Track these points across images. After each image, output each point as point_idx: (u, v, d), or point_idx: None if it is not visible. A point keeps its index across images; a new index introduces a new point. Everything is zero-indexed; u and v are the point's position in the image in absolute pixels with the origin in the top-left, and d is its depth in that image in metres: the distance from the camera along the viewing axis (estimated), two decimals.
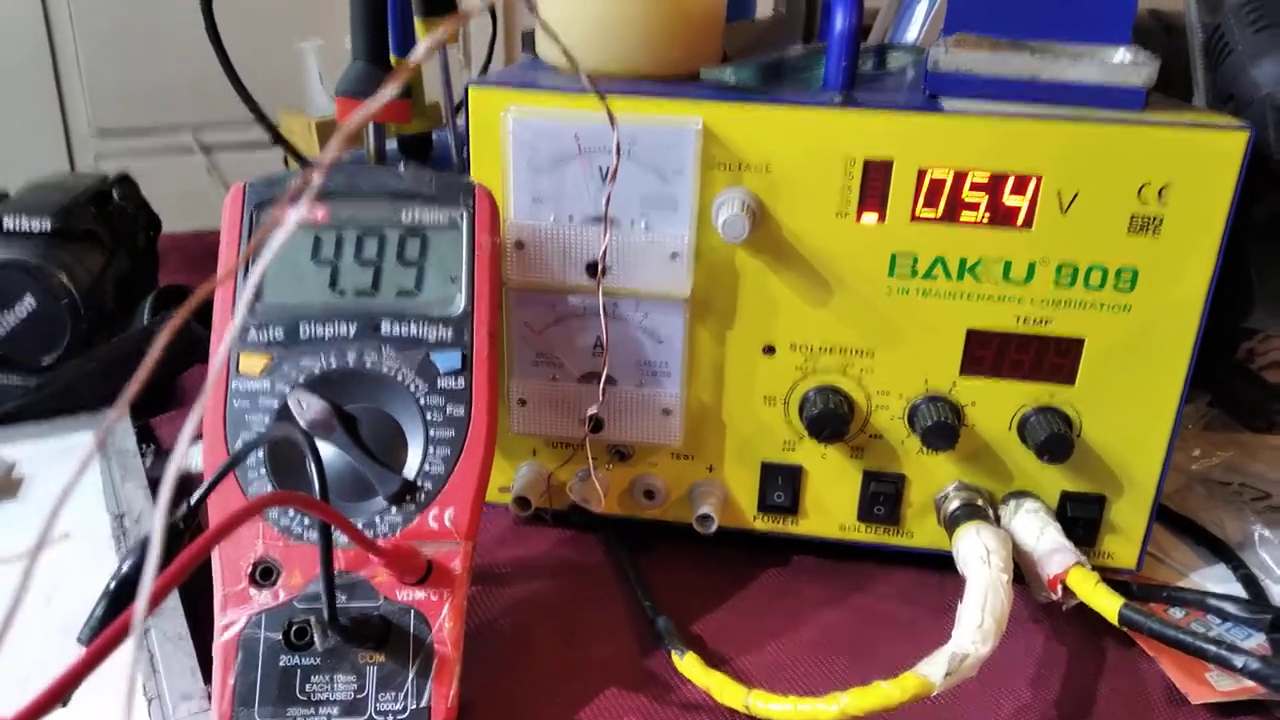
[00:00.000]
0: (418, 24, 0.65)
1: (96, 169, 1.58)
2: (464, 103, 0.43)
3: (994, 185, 0.40)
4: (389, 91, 0.19)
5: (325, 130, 0.82)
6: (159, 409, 0.60)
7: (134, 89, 1.56)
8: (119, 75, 1.55)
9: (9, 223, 0.60)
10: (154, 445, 0.55)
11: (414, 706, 0.35)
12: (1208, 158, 0.39)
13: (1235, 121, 0.39)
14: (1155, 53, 0.40)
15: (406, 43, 0.66)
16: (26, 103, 1.52)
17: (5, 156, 1.48)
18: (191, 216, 0.89)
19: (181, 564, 0.22)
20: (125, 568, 0.31)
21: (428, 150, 0.71)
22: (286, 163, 0.88)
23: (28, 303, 0.59)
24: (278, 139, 0.67)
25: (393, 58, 0.65)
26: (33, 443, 0.54)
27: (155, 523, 0.17)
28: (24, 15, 1.49)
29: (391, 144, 0.70)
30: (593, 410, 0.44)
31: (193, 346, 0.63)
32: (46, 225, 0.61)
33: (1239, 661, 0.35)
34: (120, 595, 0.30)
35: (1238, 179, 0.39)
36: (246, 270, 0.39)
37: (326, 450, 0.37)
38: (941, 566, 0.44)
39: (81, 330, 0.60)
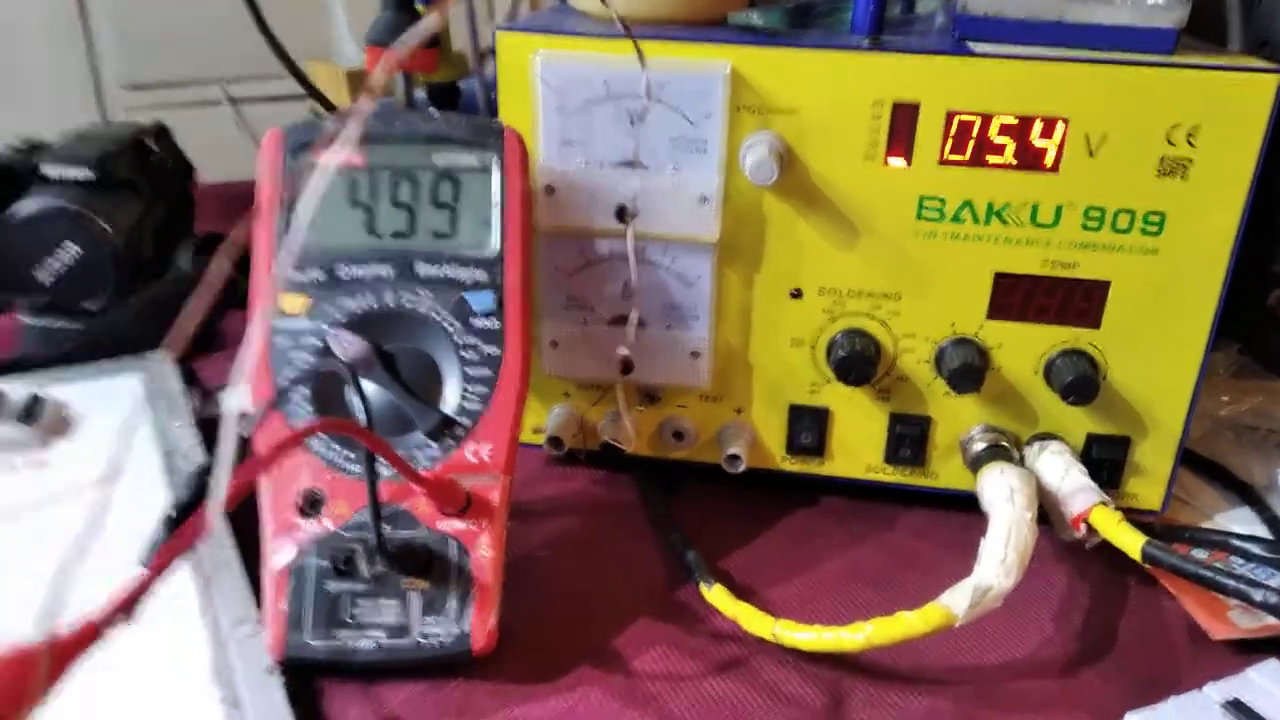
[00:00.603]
0: None
1: (130, 121, 1.60)
2: (491, 50, 0.43)
3: (1022, 128, 0.40)
4: (418, 32, 0.19)
5: (355, 80, 0.83)
6: (200, 351, 0.61)
7: (164, 43, 1.57)
8: (149, 29, 1.56)
9: (51, 171, 0.62)
10: (198, 386, 0.57)
11: (456, 631, 0.36)
12: (1238, 101, 0.39)
13: (1267, 64, 0.39)
14: None
15: None
16: (59, 58, 1.54)
17: (40, 110, 1.50)
18: (221, 168, 0.90)
19: (245, 477, 0.24)
20: (182, 497, 0.32)
21: (455, 99, 0.72)
22: (316, 114, 0.89)
23: (71, 249, 0.61)
24: (309, 89, 0.68)
25: (419, 6, 0.65)
26: (82, 384, 0.56)
27: (226, 429, 0.18)
28: None
29: (419, 93, 0.71)
30: (623, 352, 0.45)
31: (230, 292, 0.64)
32: (88, 174, 0.62)
33: (1258, 595, 0.36)
34: (178, 521, 0.31)
35: (1269, 122, 0.39)
36: (288, 213, 0.40)
37: (366, 387, 0.38)
38: (967, 507, 0.45)
39: (123, 276, 0.61)
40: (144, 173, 0.66)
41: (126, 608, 0.23)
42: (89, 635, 0.21)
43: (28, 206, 0.59)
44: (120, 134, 0.67)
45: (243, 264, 0.65)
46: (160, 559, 0.21)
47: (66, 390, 0.55)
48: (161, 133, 0.72)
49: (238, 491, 0.25)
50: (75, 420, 0.53)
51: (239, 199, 0.87)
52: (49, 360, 0.58)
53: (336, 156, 0.21)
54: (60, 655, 0.20)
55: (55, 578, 0.19)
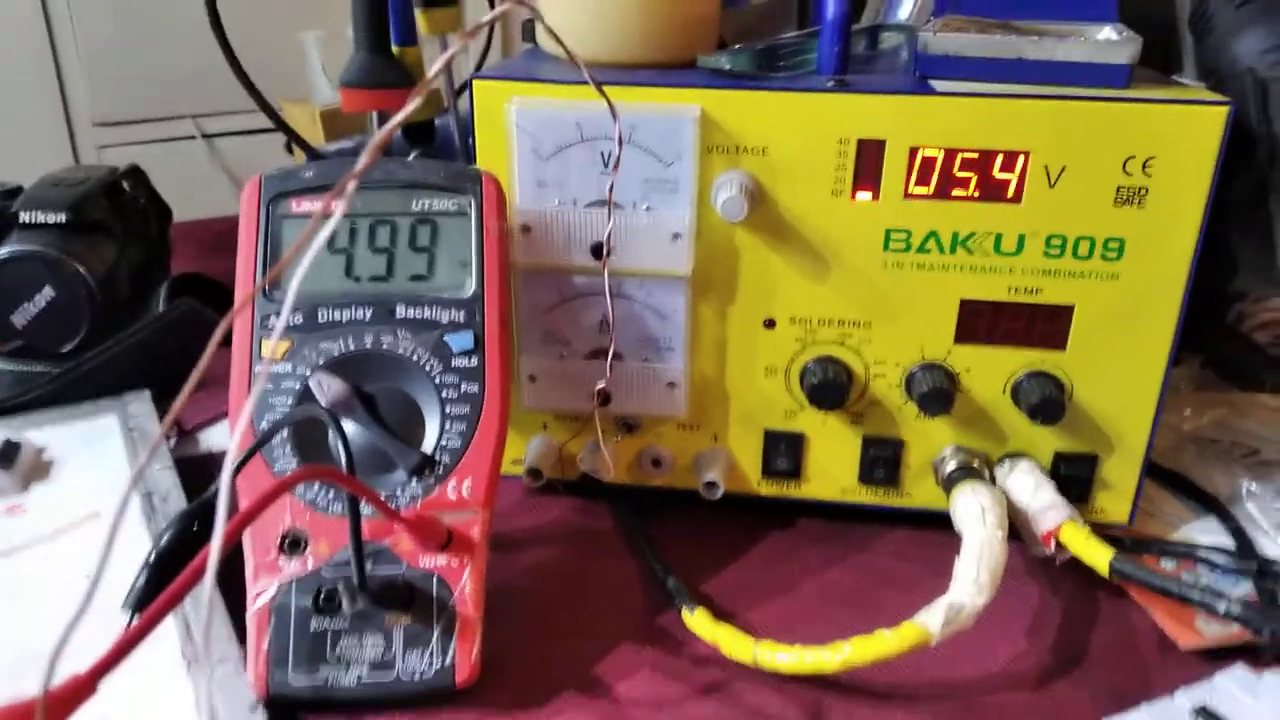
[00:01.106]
0: (418, 14, 0.66)
1: (99, 159, 1.60)
2: (465, 87, 0.44)
3: (984, 162, 0.42)
4: (410, 108, 0.20)
5: (329, 119, 0.83)
6: (179, 393, 0.61)
7: (134, 80, 1.57)
8: (119, 67, 1.56)
9: (25, 216, 0.62)
10: (177, 427, 0.57)
11: (439, 665, 0.37)
12: (1190, 131, 0.40)
13: (1216, 96, 0.41)
14: (1149, 21, 0.41)
15: (407, 33, 0.68)
16: (29, 96, 1.54)
17: (10, 149, 1.50)
18: (195, 203, 0.91)
19: (235, 526, 0.24)
20: (164, 541, 0.32)
21: (430, 136, 0.73)
22: (289, 149, 0.89)
23: (46, 292, 0.61)
24: (284, 129, 0.69)
25: (394, 48, 0.66)
26: (59, 426, 0.56)
27: (223, 477, 0.19)
28: (24, 11, 1.50)
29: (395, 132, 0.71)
30: (601, 385, 0.46)
31: (207, 332, 0.64)
32: (61, 218, 0.62)
33: (1221, 606, 0.37)
34: (161, 565, 0.32)
35: (1219, 151, 0.41)
36: (264, 268, 0.41)
37: (348, 428, 0.39)
38: (940, 526, 0.46)
39: (99, 318, 0.61)
40: (119, 215, 0.67)
41: (118, 659, 0.23)
42: (83, 688, 0.21)
43: (2, 251, 0.60)
44: (93, 176, 0.68)
45: (220, 306, 0.66)
46: (158, 607, 0.22)
47: (44, 434, 0.55)
48: (136, 174, 0.72)
49: (235, 531, 0.26)
50: (53, 463, 0.53)
51: (216, 237, 0.88)
52: (25, 404, 0.58)
53: (324, 222, 0.21)
54: (56, 709, 0.20)
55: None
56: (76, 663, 0.24)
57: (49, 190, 0.64)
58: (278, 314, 0.40)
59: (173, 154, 1.61)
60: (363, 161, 0.21)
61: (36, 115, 1.56)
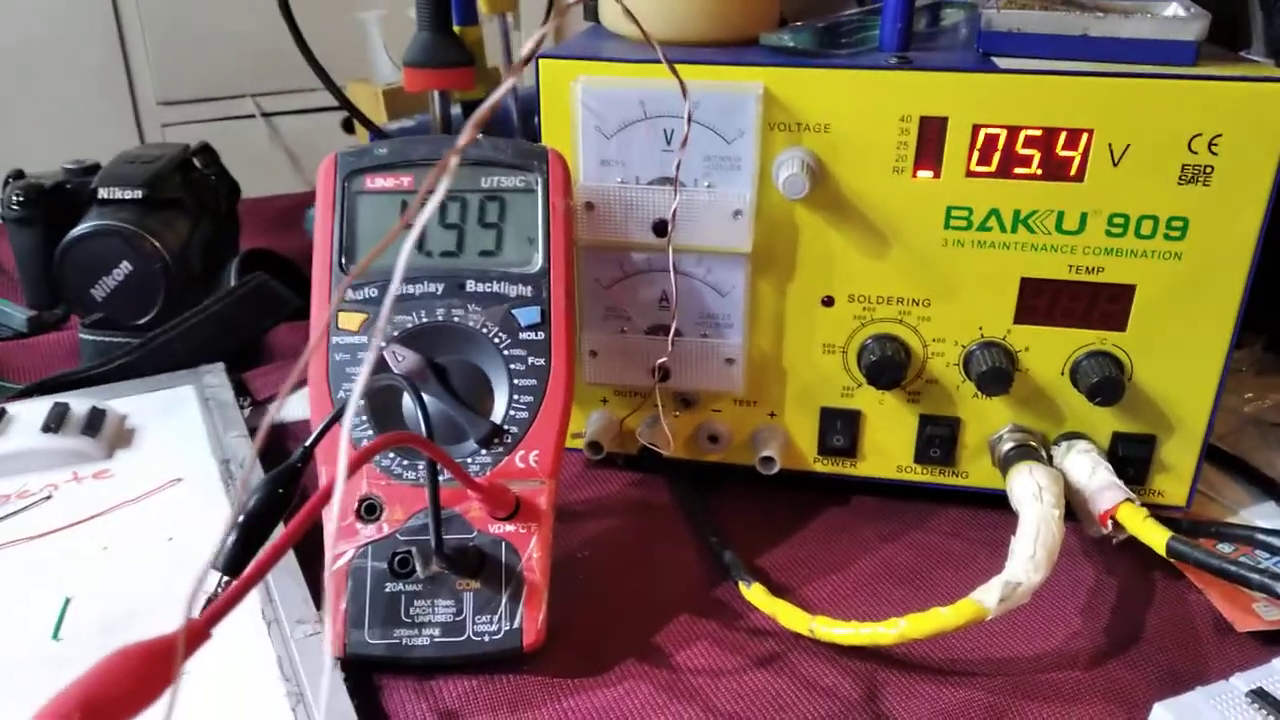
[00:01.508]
0: None
1: (163, 137, 1.64)
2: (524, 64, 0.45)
3: (1047, 140, 0.42)
4: (500, 93, 0.21)
5: (391, 98, 0.85)
6: (251, 364, 0.64)
7: (197, 60, 1.61)
8: (182, 47, 1.60)
9: (104, 192, 0.64)
10: (250, 397, 0.59)
11: (508, 628, 0.38)
12: (1258, 110, 0.40)
13: None
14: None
15: (468, 13, 0.69)
16: (96, 76, 1.58)
17: (78, 127, 1.54)
18: (255, 181, 0.93)
19: (325, 493, 0.25)
20: (252, 504, 0.34)
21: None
22: (345, 128, 0.91)
23: (124, 267, 0.63)
24: (349, 108, 0.70)
25: (456, 28, 0.67)
26: (140, 396, 0.58)
27: (355, 391, 0.20)
28: None
29: (455, 109, 0.73)
30: (661, 360, 0.47)
31: (277, 306, 0.67)
32: (138, 194, 0.64)
33: None
34: (249, 528, 0.34)
35: None
36: (340, 243, 0.42)
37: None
38: (996, 505, 0.46)
39: (173, 292, 0.64)
40: (191, 191, 0.69)
41: (230, 606, 0.25)
42: (200, 633, 0.23)
43: (83, 227, 0.62)
44: (167, 154, 0.70)
45: (289, 281, 0.68)
46: (267, 557, 0.23)
47: (125, 403, 0.57)
48: (206, 151, 0.74)
49: (319, 503, 0.27)
50: (135, 431, 0.55)
51: (281, 214, 0.90)
52: (107, 374, 0.60)
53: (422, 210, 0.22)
54: (188, 644, 0.22)
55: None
56: (158, 624, 0.25)
57: (125, 167, 0.67)
58: (354, 287, 0.42)
59: (233, 132, 1.64)
60: (465, 136, 0.22)
61: (103, 94, 1.60)
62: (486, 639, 0.38)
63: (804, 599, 0.44)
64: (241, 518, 0.34)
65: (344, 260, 0.42)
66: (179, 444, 0.53)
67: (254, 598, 0.41)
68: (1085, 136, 0.41)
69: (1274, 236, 0.42)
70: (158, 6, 1.57)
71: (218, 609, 0.24)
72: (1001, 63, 0.42)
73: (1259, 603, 0.43)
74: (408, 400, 0.40)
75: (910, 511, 0.50)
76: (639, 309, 0.48)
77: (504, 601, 0.39)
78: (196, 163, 0.73)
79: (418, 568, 0.39)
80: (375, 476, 0.40)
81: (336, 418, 0.37)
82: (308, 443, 0.36)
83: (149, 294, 0.64)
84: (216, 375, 0.60)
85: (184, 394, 0.59)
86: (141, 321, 0.64)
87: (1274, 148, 0.40)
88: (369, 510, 0.39)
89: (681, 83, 0.39)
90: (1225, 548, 0.47)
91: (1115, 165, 0.42)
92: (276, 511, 0.35)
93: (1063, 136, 0.42)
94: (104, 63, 1.58)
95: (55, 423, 0.52)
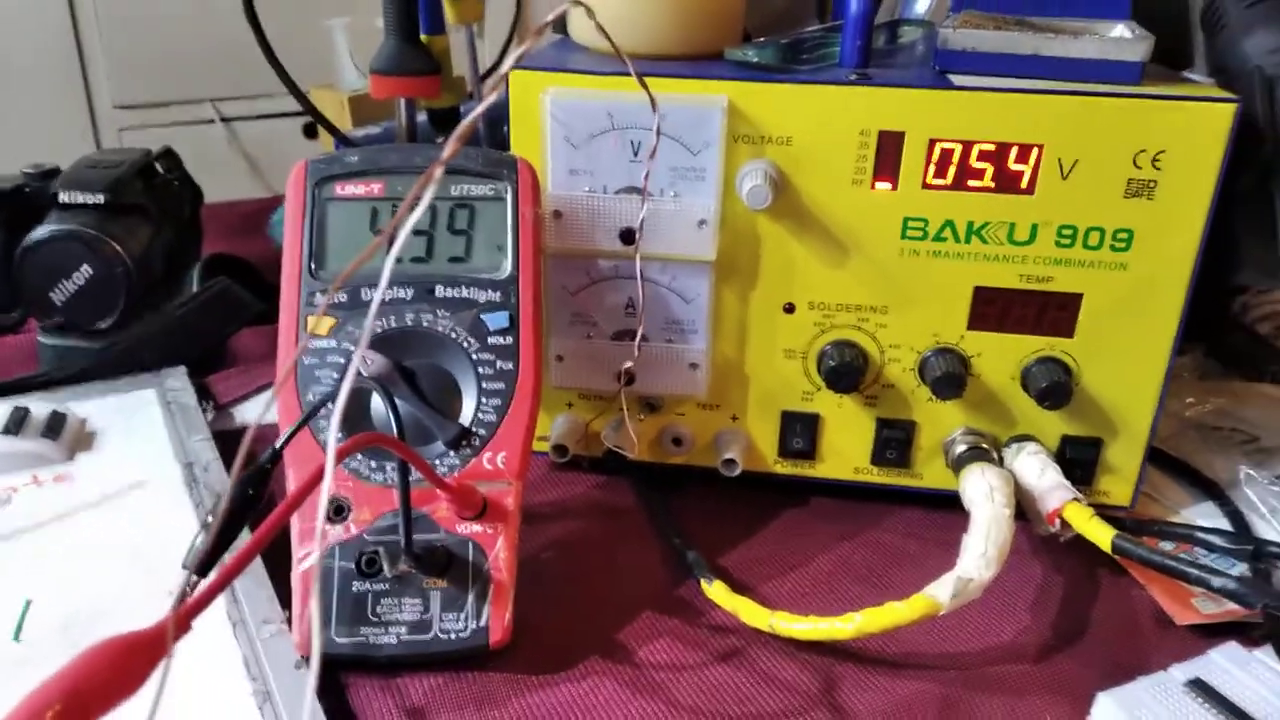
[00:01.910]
0: (446, 4, 0.68)
1: (120, 141, 1.62)
2: (489, 74, 0.46)
3: (999, 154, 0.43)
4: (480, 109, 0.22)
5: (356, 105, 0.85)
6: (213, 369, 0.64)
7: (155, 63, 1.59)
8: (140, 49, 1.58)
9: (64, 196, 0.64)
10: (212, 401, 0.59)
11: (474, 626, 0.39)
12: (1199, 127, 0.42)
13: (1224, 93, 0.42)
14: (1162, 17, 0.42)
15: (435, 22, 0.69)
16: (50, 79, 1.56)
17: (32, 132, 1.52)
18: (215, 186, 0.93)
19: (296, 497, 0.26)
20: (224, 505, 0.35)
21: (455, 122, 0.74)
22: (307, 134, 0.91)
23: (85, 271, 0.63)
24: (314, 114, 0.71)
25: (424, 36, 0.68)
26: (100, 400, 0.58)
27: (338, 407, 0.21)
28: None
29: (421, 117, 0.73)
30: (627, 365, 0.48)
31: (240, 311, 0.67)
32: (100, 199, 0.64)
33: (1217, 582, 0.39)
34: (227, 527, 0.34)
35: (1227, 146, 0.42)
36: (310, 249, 0.43)
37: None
38: (949, 506, 0.48)
39: (134, 296, 0.63)
40: (154, 196, 0.69)
41: (208, 601, 0.25)
42: (181, 626, 0.23)
43: (43, 230, 0.62)
44: (129, 158, 0.69)
45: (251, 286, 0.68)
46: (243, 554, 0.24)
47: (86, 406, 0.57)
48: (169, 156, 0.74)
49: (289, 508, 0.28)
50: (96, 435, 0.55)
51: (243, 219, 0.90)
52: (68, 378, 0.60)
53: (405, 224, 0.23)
54: (159, 642, 0.22)
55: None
56: (120, 625, 0.25)
57: (87, 171, 0.66)
58: (323, 291, 0.42)
59: (192, 137, 1.63)
60: (448, 150, 0.23)
61: (59, 98, 1.57)
62: (453, 637, 0.39)
63: (764, 596, 0.45)
64: (211, 518, 0.34)
65: (314, 266, 0.43)
66: (141, 447, 0.53)
67: (219, 598, 0.41)
68: (1036, 151, 0.43)
69: (1212, 248, 0.44)
70: (115, 8, 1.55)
71: (199, 601, 0.24)
72: (957, 80, 0.43)
73: (1197, 597, 0.45)
74: (376, 402, 0.41)
75: (867, 512, 0.51)
76: (605, 315, 0.49)
77: (471, 600, 0.39)
78: (159, 167, 0.72)
79: (385, 567, 0.39)
80: (343, 478, 0.40)
81: (306, 420, 0.37)
82: (277, 444, 0.36)
83: (109, 299, 0.64)
84: (179, 379, 0.60)
85: (146, 397, 0.58)
86: (102, 326, 0.64)
87: (1214, 163, 0.42)
88: (337, 511, 0.40)
89: (651, 96, 0.40)
90: (1166, 545, 0.48)
91: (1064, 179, 0.44)
92: (245, 512, 0.35)
93: (1014, 151, 0.43)
94: (59, 66, 1.56)
95: (15, 425, 0.52)
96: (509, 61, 0.24)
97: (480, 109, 0.23)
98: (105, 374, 0.60)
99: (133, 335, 0.62)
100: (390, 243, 0.24)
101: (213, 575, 0.25)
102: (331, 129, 0.72)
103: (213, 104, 1.63)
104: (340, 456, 0.30)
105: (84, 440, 0.54)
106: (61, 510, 0.48)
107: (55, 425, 0.53)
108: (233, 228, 0.86)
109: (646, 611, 0.44)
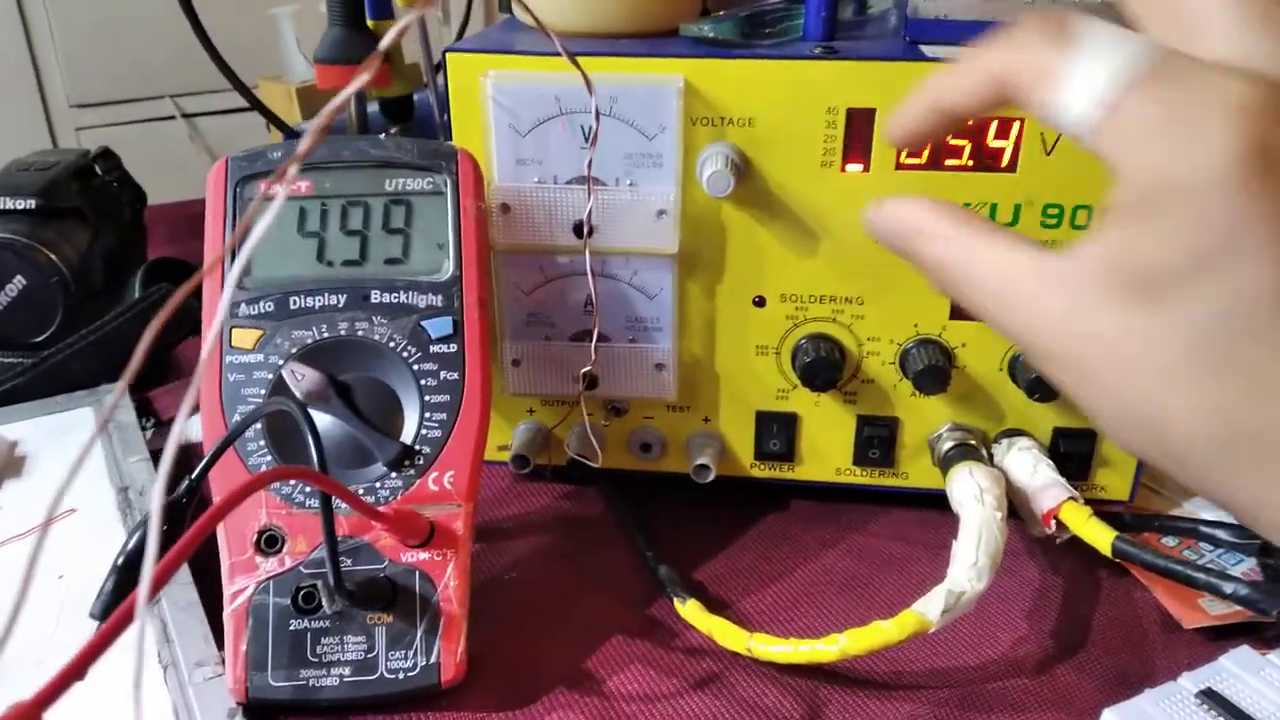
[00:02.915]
0: None
1: (77, 140, 1.57)
2: (443, 64, 0.43)
3: (977, 129, 0.40)
4: (360, 80, 0.19)
5: (305, 96, 0.81)
6: (156, 382, 0.60)
7: (111, 60, 1.54)
8: (95, 46, 1.53)
9: None
10: (153, 418, 0.56)
11: (424, 663, 0.36)
12: None
13: None
14: None
15: (383, 7, 0.66)
16: (3, 80, 1.50)
17: None
18: (177, 185, 0.89)
19: (186, 541, 0.23)
20: (132, 543, 0.31)
21: (409, 112, 0.71)
22: (268, 129, 0.87)
23: (18, 282, 0.59)
24: (258, 107, 0.67)
25: (370, 22, 0.64)
26: (32, 421, 0.54)
27: (154, 502, 0.17)
28: None
29: (373, 107, 0.70)
30: (586, 368, 0.44)
31: (185, 319, 0.63)
32: (31, 204, 0.61)
33: (1228, 588, 0.36)
34: (129, 570, 0.31)
35: None
36: (234, 254, 0.39)
37: (324, 419, 0.37)
38: (937, 505, 0.45)
39: (72, 307, 0.60)
40: (91, 199, 0.65)
41: (76, 674, 0.22)
42: (32, 714, 0.20)
43: None
44: (63, 160, 0.66)
45: (199, 291, 0.64)
46: (99, 637, 0.20)
47: (15, 429, 0.53)
48: (107, 156, 0.70)
49: (189, 545, 0.24)
50: (26, 459, 0.51)
51: (192, 220, 0.86)
52: None
53: (283, 192, 0.20)
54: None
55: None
56: (44, 671, 0.22)
57: (17, 175, 0.63)
58: (249, 301, 0.39)
59: (152, 134, 1.58)
60: (304, 144, 0.19)
61: (11, 97, 1.53)
62: (401, 676, 0.36)
63: (743, 613, 0.42)
64: (121, 559, 0.31)
65: (241, 275, 0.39)
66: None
67: (150, 638, 0.38)
68: (1017, 126, 0.40)
69: None
70: (66, 6, 1.50)
71: (50, 689, 0.21)
72: (930, 51, 0.40)
73: (1205, 598, 0.42)
74: (316, 416, 0.37)
75: (850, 515, 0.48)
76: (563, 315, 0.46)
77: (419, 635, 0.36)
78: (97, 168, 0.68)
79: (324, 603, 0.36)
80: (275, 505, 0.37)
81: (225, 447, 0.34)
82: (193, 475, 0.33)
83: (45, 310, 0.60)
84: (116, 396, 0.56)
85: (82, 416, 0.55)
86: (38, 340, 0.60)
87: None
88: (269, 542, 0.36)
89: (584, 73, 0.36)
90: (1169, 541, 0.46)
91: (1048, 155, 0.40)
92: (161, 551, 0.31)
93: (994, 126, 0.40)
94: (9, 66, 1.51)
95: None
96: (389, 37, 0.21)
97: (349, 90, 0.20)
98: (38, 392, 0.57)
99: (67, 349, 0.58)
100: (278, 205, 0.21)
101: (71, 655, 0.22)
102: (277, 122, 0.68)
103: (172, 100, 1.59)
104: (248, 492, 0.27)
105: (13, 466, 0.51)
106: None
107: None
108: (181, 230, 0.82)
109: (616, 635, 0.41)
